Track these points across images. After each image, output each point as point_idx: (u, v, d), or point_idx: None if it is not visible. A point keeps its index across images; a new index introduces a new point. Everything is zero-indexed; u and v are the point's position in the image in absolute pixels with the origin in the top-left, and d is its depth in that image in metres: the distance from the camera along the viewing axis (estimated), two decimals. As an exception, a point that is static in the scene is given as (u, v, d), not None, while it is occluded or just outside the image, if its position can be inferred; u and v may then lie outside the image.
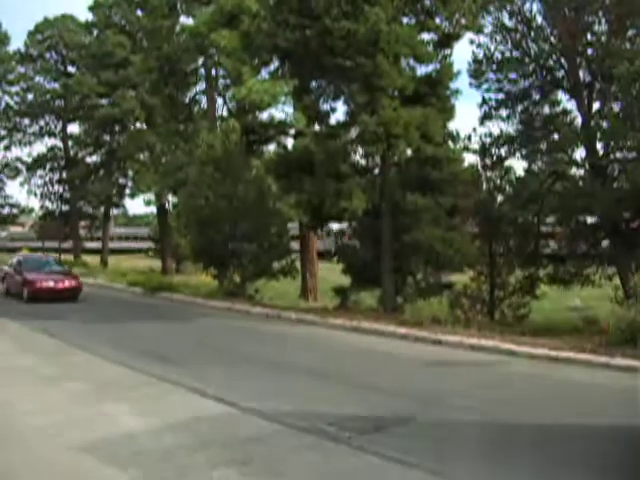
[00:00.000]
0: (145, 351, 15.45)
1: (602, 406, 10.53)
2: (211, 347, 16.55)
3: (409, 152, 22.91)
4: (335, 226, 27.28)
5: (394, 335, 17.86)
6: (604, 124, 24.03)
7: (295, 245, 31.84)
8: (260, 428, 9.18)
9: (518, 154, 26.07)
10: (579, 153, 24.84)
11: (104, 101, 55.71)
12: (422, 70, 23.45)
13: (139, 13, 47.19)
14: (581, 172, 25.15)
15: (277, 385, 12.08)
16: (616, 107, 23.88)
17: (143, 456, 7.93)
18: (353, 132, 22.78)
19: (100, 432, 8.87)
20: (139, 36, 50.23)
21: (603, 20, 24.50)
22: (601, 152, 23.97)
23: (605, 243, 24.73)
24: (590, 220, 24.62)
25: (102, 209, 62.33)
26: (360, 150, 23.51)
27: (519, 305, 23.75)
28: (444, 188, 22.88)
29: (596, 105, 24.80)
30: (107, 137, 58.31)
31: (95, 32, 54.67)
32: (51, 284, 27.07)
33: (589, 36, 24.71)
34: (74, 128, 63.64)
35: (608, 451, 8.25)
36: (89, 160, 60.89)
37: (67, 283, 27.66)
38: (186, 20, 38.26)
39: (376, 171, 24.14)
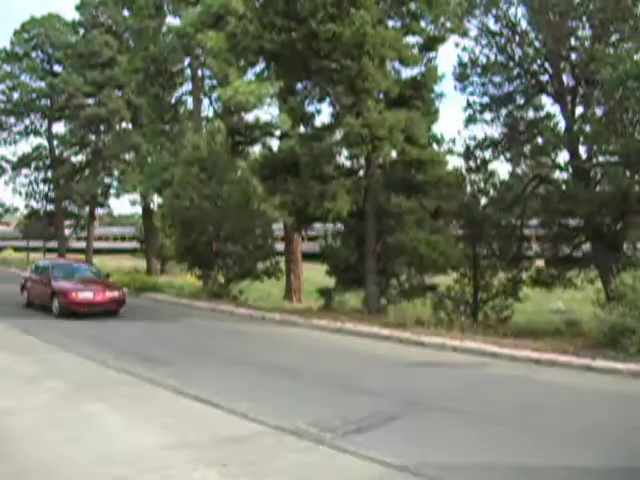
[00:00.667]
0: (128, 351, 15.45)
1: (582, 407, 10.66)
2: (194, 348, 16.54)
3: (394, 154, 23.05)
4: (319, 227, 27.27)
5: (377, 336, 17.91)
6: (587, 128, 24.20)
7: (280, 246, 31.89)
8: (240, 428, 9.21)
9: (502, 157, 26.27)
10: (562, 157, 25.05)
11: (90, 101, 55.54)
12: (407, 73, 23.71)
13: (126, 13, 47.15)
14: (564, 175, 25.35)
15: (258, 385, 12.12)
16: (599, 111, 24.08)
17: (123, 454, 7.98)
18: (338, 134, 22.85)
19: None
20: (125, 36, 50.33)
21: (587, 25, 24.69)
22: (584, 156, 24.15)
23: (587, 246, 24.91)
24: (573, 223, 24.80)
25: (87, 209, 62.12)
26: (345, 152, 23.60)
27: (502, 307, 23.91)
28: (428, 190, 23.00)
29: (579, 109, 24.99)
30: (93, 137, 58.16)
31: (81, 31, 54.54)
32: (89, 295, 22.25)
33: (573, 41, 24.90)
34: (59, 127, 63.79)
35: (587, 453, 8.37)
36: (74, 159, 60.74)
37: (108, 294, 22.66)
38: (173, 20, 38.26)
39: (361, 173, 24.21)
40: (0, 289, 31.92)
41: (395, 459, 7.85)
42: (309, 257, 37.76)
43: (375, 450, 8.15)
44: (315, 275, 29.91)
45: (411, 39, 23.41)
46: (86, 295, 22.19)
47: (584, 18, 24.51)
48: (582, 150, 24.19)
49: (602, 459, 8.09)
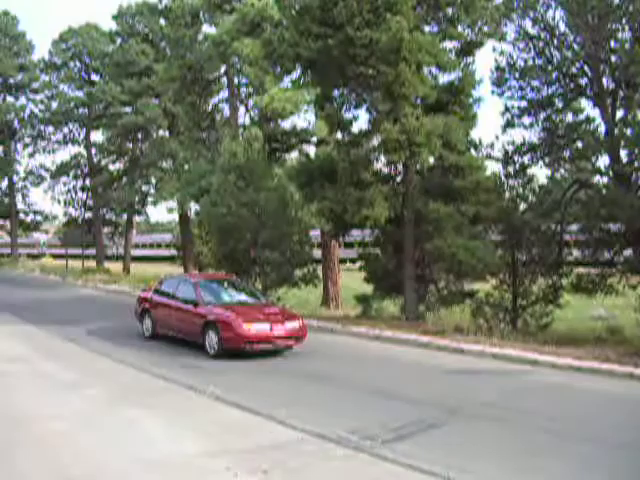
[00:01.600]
0: (165, 358, 15.53)
1: (625, 416, 10.48)
2: (234, 356, 16.57)
3: (431, 160, 22.89)
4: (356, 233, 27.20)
5: (416, 343, 17.84)
6: (628, 132, 23.86)
7: (317, 253, 31.86)
8: (280, 435, 9.22)
9: (541, 162, 25.98)
10: (603, 161, 24.75)
11: (127, 109, 56.06)
12: (444, 78, 23.50)
13: (162, 22, 47.60)
14: (605, 180, 24.99)
15: (299, 392, 12.14)
16: (640, 114, 23.74)
17: (165, 459, 8.00)
18: (375, 140, 22.78)
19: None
20: (162, 45, 50.70)
21: (627, 27, 24.37)
22: (625, 160, 23.80)
23: (629, 251, 24.54)
24: (614, 228, 24.44)
25: (125, 216, 62.68)
26: (382, 158, 23.46)
27: (542, 314, 23.58)
28: (467, 196, 22.80)
29: (620, 113, 24.64)
30: (130, 145, 58.67)
31: (118, 41, 55.01)
32: (265, 328, 16.10)
33: (613, 43, 24.58)
34: (97, 136, 64.38)
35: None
36: (112, 167, 61.30)
37: (288, 326, 16.62)
38: (209, 29, 38.54)
39: (398, 179, 24.09)
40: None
41: (436, 467, 7.81)
42: (346, 263, 37.74)
43: (415, 458, 8.14)
44: (352, 282, 29.83)
45: (448, 44, 23.29)
46: (261, 327, 16.08)
47: (624, 20, 24.18)
48: (623, 154, 23.82)
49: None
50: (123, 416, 10.19)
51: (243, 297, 18.80)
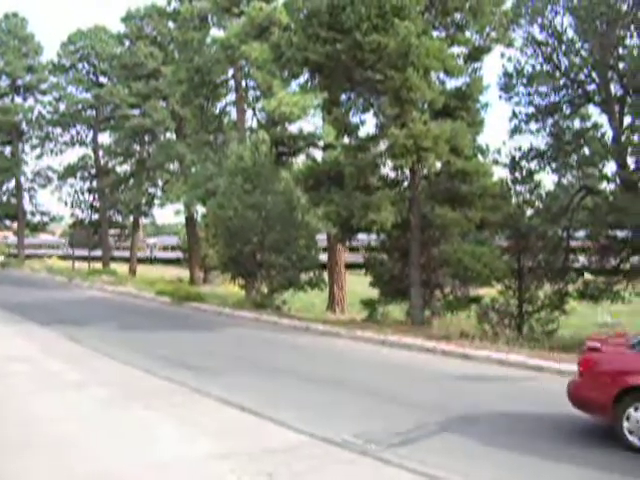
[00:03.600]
0: (174, 361, 15.55)
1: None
2: (238, 357, 16.61)
3: (438, 165, 22.93)
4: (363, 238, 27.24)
5: (422, 348, 17.81)
6: (635, 139, 23.87)
7: (323, 257, 31.91)
8: (286, 438, 9.23)
9: (548, 168, 25.97)
10: (610, 168, 24.71)
11: (135, 111, 56.27)
12: (452, 83, 23.57)
13: (170, 25, 47.74)
14: (612, 187, 24.98)
15: (303, 395, 12.14)
16: (648, 121, 23.74)
17: (170, 462, 8.03)
18: (382, 145, 22.84)
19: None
20: (170, 48, 50.84)
21: (635, 34, 24.38)
22: (632, 167, 23.79)
23: (635, 258, 24.52)
24: (620, 235, 24.42)
25: (131, 218, 62.81)
26: (389, 163, 23.49)
27: (548, 320, 23.55)
28: (473, 202, 22.80)
29: (627, 119, 24.63)
30: (137, 147, 58.83)
31: (127, 43, 55.17)
32: None
33: (621, 50, 24.59)
34: (105, 138, 64.63)
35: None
36: (119, 169, 61.53)
37: None
38: (217, 32, 38.62)
39: (405, 184, 24.12)
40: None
41: (440, 472, 7.81)
42: (352, 268, 37.76)
43: (420, 462, 8.12)
44: (358, 286, 29.86)
45: (456, 49, 23.35)
46: None
47: (632, 27, 24.20)
48: (630, 161, 23.83)
49: None
50: (130, 417, 10.22)
51: None
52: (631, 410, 9.06)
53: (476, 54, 23.73)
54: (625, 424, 9.08)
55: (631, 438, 9.00)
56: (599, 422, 9.78)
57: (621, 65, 24.53)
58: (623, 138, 24.00)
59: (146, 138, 57.37)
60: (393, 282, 23.77)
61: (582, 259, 25.87)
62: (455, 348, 17.38)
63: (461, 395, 12.54)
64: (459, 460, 8.44)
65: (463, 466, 8.15)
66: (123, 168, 61.50)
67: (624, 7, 24.06)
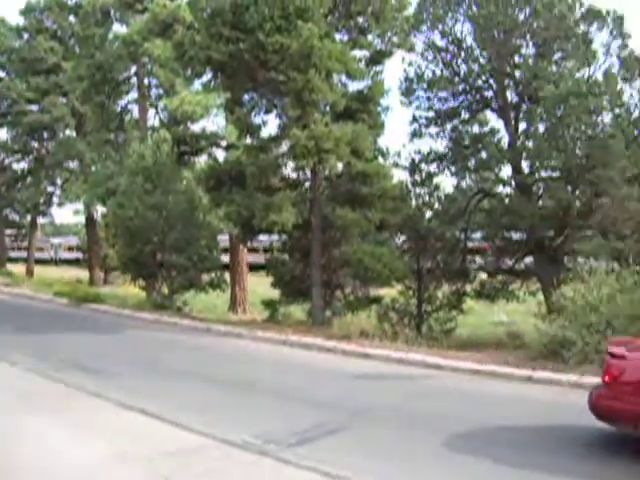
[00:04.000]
0: (71, 363, 15.19)
1: (521, 416, 10.78)
2: (138, 360, 16.32)
3: (340, 167, 23.10)
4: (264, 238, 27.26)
5: (322, 348, 17.90)
6: (530, 144, 24.66)
7: (225, 258, 31.74)
8: (186, 441, 9.15)
9: (447, 171, 26.57)
10: (506, 171, 25.46)
11: (33, 107, 54.52)
12: (354, 86, 23.75)
13: (72, 19, 46.59)
14: (507, 190, 25.75)
15: (203, 397, 12.04)
16: (541, 128, 24.53)
17: (67, 469, 7.85)
18: (284, 146, 22.81)
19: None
20: (71, 42, 49.55)
21: (531, 43, 25.20)
22: (527, 171, 24.59)
23: (529, 259, 25.31)
24: (515, 236, 25.18)
25: (29, 217, 60.94)
26: (291, 164, 23.53)
27: (446, 319, 24.10)
28: (373, 203, 23.06)
29: (523, 125, 25.49)
30: (36, 144, 57.01)
31: (26, 36, 53.48)
32: None
33: (517, 58, 25.38)
34: (1, 134, 62.37)
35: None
36: (16, 167, 59.40)
37: None
38: (120, 28, 37.83)
39: (306, 185, 24.20)
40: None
41: (337, 469, 7.89)
42: (254, 269, 37.66)
43: (319, 461, 8.18)
44: (260, 287, 29.82)
45: (358, 53, 23.55)
46: None
47: (528, 36, 25.00)
48: (525, 165, 24.69)
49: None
50: (21, 422, 9.92)
51: None
52: None
53: (378, 58, 24.00)
54: None
55: None
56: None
57: (517, 73, 25.33)
58: (518, 143, 24.81)
59: (45, 135, 55.70)
60: (294, 282, 23.81)
61: (479, 260, 26.58)
62: (355, 347, 17.53)
63: (361, 394, 12.68)
64: (357, 457, 8.54)
65: (361, 463, 8.27)
66: (20, 165, 59.52)
67: (521, 17, 24.84)
